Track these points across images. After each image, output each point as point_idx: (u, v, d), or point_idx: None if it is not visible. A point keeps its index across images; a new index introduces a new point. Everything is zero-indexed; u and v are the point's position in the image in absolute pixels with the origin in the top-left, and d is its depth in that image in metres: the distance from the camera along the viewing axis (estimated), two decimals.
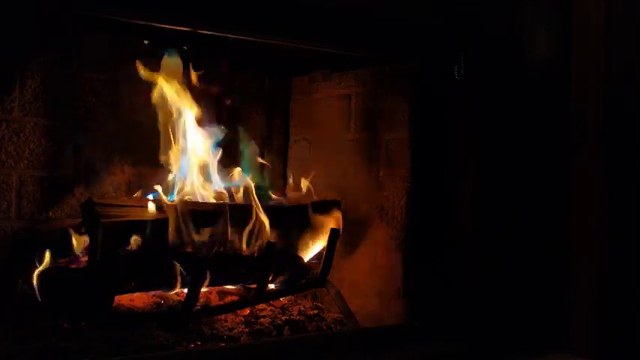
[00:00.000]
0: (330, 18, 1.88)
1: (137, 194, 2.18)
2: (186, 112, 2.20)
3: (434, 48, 2.17)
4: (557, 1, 2.30)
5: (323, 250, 2.28)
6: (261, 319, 2.11)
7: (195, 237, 1.99)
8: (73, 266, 1.96)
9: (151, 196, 2.07)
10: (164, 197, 2.07)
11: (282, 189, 2.48)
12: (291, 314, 2.19)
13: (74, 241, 1.99)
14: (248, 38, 1.95)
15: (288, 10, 1.81)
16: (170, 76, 2.17)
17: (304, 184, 2.37)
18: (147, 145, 2.25)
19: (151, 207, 1.98)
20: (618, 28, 2.27)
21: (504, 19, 2.18)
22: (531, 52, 2.24)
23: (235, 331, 2.02)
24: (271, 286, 2.21)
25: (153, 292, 2.05)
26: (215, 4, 1.74)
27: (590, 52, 2.27)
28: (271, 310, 2.19)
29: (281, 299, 2.28)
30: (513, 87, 2.22)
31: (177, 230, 1.97)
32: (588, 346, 2.23)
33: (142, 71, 2.13)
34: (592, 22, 2.27)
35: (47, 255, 1.93)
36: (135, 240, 1.90)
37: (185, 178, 2.19)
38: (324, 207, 2.30)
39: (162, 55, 2.18)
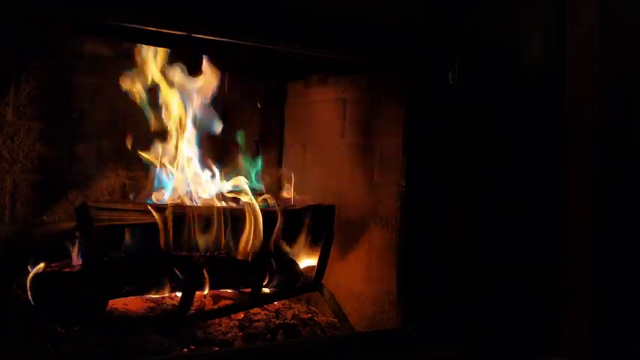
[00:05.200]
0: (324, 21, 1.88)
1: (132, 198, 2.18)
2: (183, 114, 2.20)
3: (428, 53, 2.17)
4: (552, 8, 2.30)
5: (317, 254, 2.28)
6: (256, 323, 2.11)
7: (190, 241, 1.99)
8: (67, 270, 1.95)
9: (145, 200, 2.07)
10: (159, 201, 2.07)
11: (276, 193, 2.47)
12: (286, 318, 2.19)
13: (68, 245, 1.98)
14: (242, 42, 1.95)
15: (279, 13, 1.81)
16: (166, 79, 2.18)
17: (299, 188, 2.37)
18: (142, 148, 2.25)
19: (146, 211, 1.98)
20: (612, 34, 2.29)
21: (499, 25, 2.19)
22: (526, 57, 2.25)
23: (229, 335, 2.02)
24: (265, 290, 2.21)
25: (147, 297, 2.05)
26: (209, 8, 1.74)
27: (584, 57, 2.28)
28: (265, 314, 2.19)
29: (275, 303, 2.28)
30: (508, 92, 2.22)
31: (171, 234, 1.96)
32: (583, 353, 2.24)
33: (141, 74, 2.14)
34: (586, 28, 2.28)
35: (41, 259, 1.93)
36: (129, 244, 1.90)
37: (180, 182, 2.19)
38: (319, 211, 2.30)
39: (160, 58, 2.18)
